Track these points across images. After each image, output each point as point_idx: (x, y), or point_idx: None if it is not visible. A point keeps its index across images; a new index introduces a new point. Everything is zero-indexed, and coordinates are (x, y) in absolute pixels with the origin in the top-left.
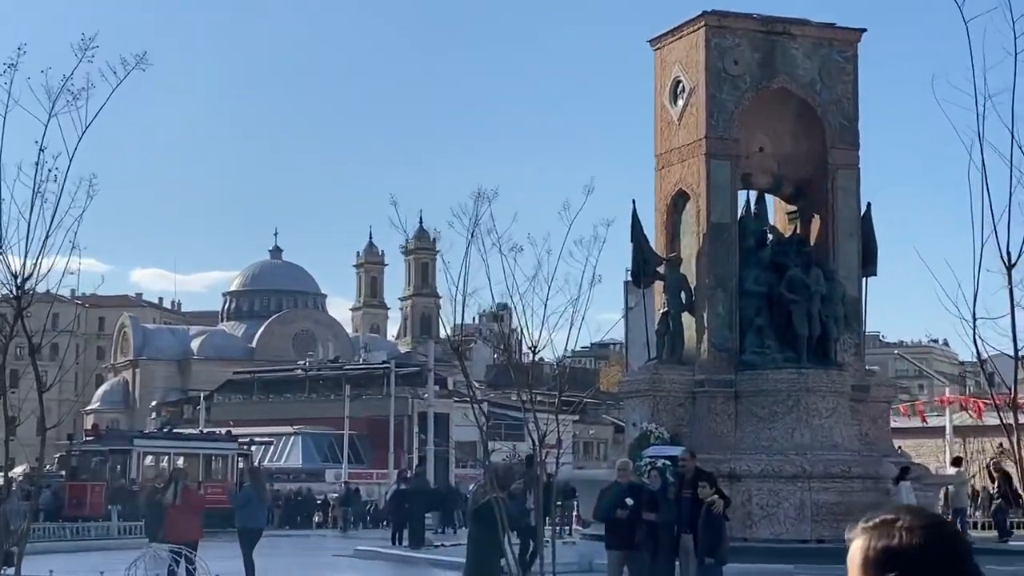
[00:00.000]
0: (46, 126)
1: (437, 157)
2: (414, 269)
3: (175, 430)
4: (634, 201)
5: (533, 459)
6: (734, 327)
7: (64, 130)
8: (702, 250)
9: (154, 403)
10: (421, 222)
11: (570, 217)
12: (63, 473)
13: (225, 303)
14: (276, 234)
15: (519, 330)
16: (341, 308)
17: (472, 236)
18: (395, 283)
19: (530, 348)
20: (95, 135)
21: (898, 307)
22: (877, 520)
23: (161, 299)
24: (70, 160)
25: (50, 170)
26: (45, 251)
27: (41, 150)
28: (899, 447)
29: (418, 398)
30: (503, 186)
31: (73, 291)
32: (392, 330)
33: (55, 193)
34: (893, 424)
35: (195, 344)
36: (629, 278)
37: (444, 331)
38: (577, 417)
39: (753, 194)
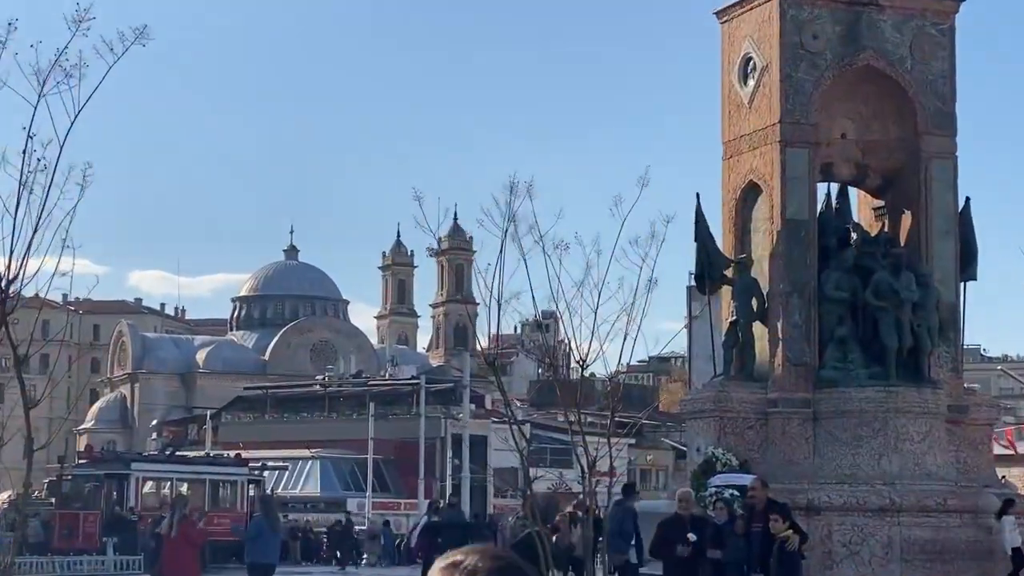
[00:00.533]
0: (35, 108)
1: (474, 145)
2: (447, 272)
3: (178, 452)
4: (698, 195)
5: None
6: (812, 338)
7: (55, 114)
8: (776, 250)
9: (155, 422)
10: (455, 218)
11: (623, 213)
12: (52, 500)
13: (234, 310)
14: (292, 232)
15: (566, 341)
16: (365, 316)
17: (507, 233)
18: (426, 287)
19: (578, 362)
20: (89, 121)
21: (1001, 317)
22: (446, 562)
23: (163, 305)
24: (61, 147)
25: (39, 159)
26: (32, 249)
27: (29, 136)
28: (1002, 476)
29: (452, 418)
30: (546, 178)
31: (65, 295)
32: (423, 341)
33: (43, 185)
34: (995, 450)
35: (201, 356)
36: (692, 282)
37: (481, 342)
38: (633, 441)
39: (835, 187)
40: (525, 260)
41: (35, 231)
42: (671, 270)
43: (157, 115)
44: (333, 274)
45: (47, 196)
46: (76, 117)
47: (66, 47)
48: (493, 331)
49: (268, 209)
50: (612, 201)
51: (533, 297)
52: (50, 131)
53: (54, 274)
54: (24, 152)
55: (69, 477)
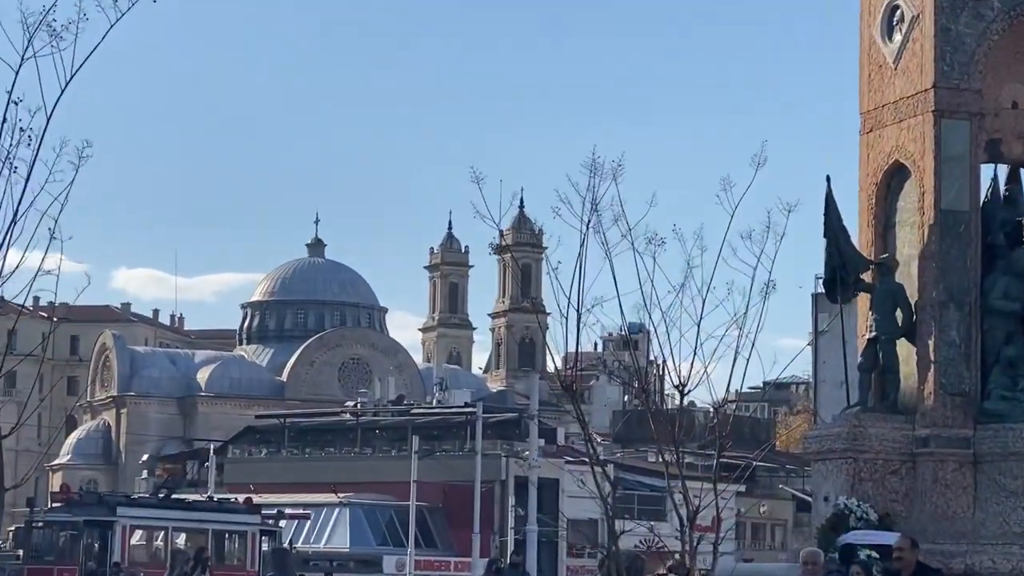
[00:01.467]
0: (16, 72)
1: (545, 119)
2: (511, 273)
3: (175, 495)
4: (828, 178)
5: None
6: (973, 360)
7: (44, 79)
8: (927, 249)
9: (146, 457)
10: (522, 206)
11: (733, 200)
12: (19, 553)
13: (245, 318)
14: (317, 223)
15: (661, 361)
16: (407, 327)
17: (589, 225)
18: (484, 293)
19: (677, 387)
20: (82, 88)
21: None
22: None
23: (156, 311)
24: (48, 118)
25: (23, 129)
26: (11, 241)
27: (14, 103)
28: None
29: (516, 457)
30: (636, 157)
31: (36, 299)
32: (479, 359)
33: (27, 161)
34: None
35: (202, 375)
36: (819, 289)
37: (554, 362)
38: (743, 487)
39: (1003, 169)
40: (610, 258)
41: (16, 217)
42: (793, 273)
43: (155, 82)
44: (367, 274)
45: (31, 174)
46: (68, 83)
47: (55, 3)
48: (569, 348)
49: (288, 194)
50: (720, 185)
51: (620, 305)
52: (36, 97)
53: (38, 272)
54: (3, 120)
55: (40, 524)
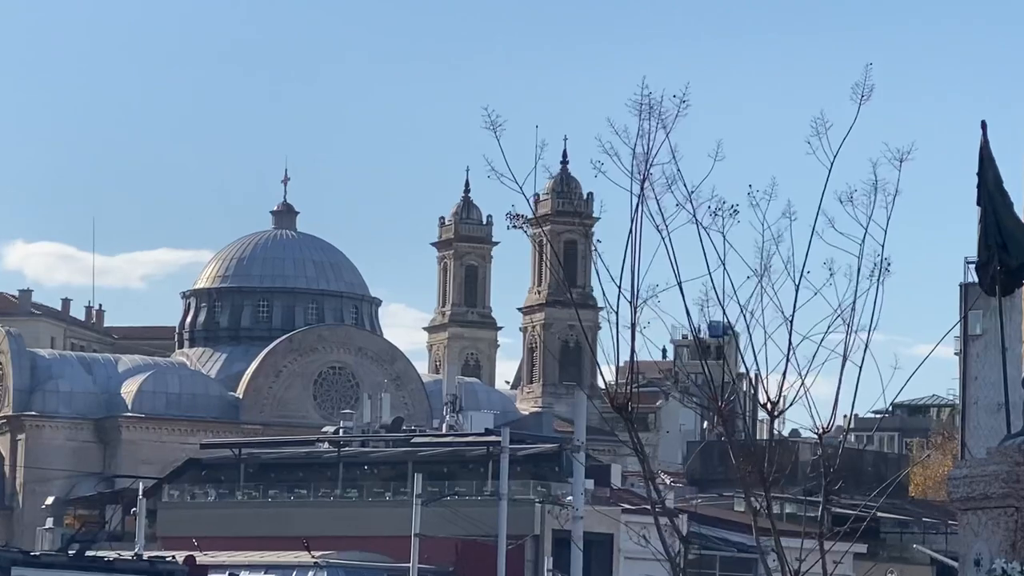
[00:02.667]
0: None
1: (587, 49)
2: (549, 253)
3: (90, 552)
4: (984, 125)
5: None
6: None
7: None
8: None
9: (51, 500)
10: (564, 162)
11: (830, 148)
12: None
13: (187, 312)
14: (285, 182)
15: (746, 373)
16: (408, 326)
17: (643, 187)
18: (513, 279)
19: (768, 408)
20: None
21: None
22: None
23: (66, 302)
24: None
25: None
26: None
27: None
28: None
29: (555, 504)
30: (701, 96)
31: None
32: (505, 370)
33: None
34: None
35: (129, 389)
36: (972, 277)
37: (605, 374)
38: (863, 547)
39: None
40: (666, 233)
41: None
42: (921, 248)
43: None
44: (353, 253)
45: None
46: None
47: None
48: (627, 356)
49: (246, 145)
50: (811, 127)
51: (683, 297)
52: None
53: None
54: None
55: None
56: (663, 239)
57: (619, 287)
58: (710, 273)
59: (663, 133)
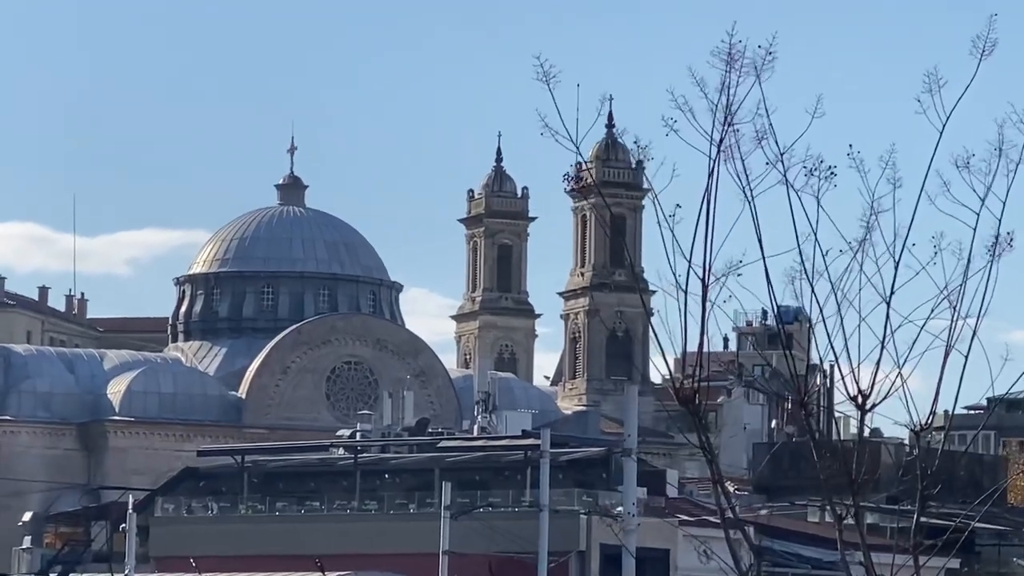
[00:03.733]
0: None
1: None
2: (593, 228)
3: (73, 574)
4: None
5: None
6: None
7: None
8: None
9: (28, 516)
10: (610, 125)
11: (943, 107)
12: None
13: (181, 301)
14: (292, 152)
15: (828, 365)
16: (433, 314)
17: (720, 146)
18: (553, 259)
19: (857, 401)
20: None
21: None
22: None
23: (44, 290)
24: None
25: None
26: None
27: None
28: None
29: (603, 515)
30: (790, 45)
31: None
32: (545, 363)
33: None
34: None
35: (116, 389)
36: None
37: (662, 366)
38: (958, 564)
39: None
40: (751, 201)
41: None
42: None
43: None
44: (370, 232)
45: None
46: None
47: None
48: (690, 345)
49: (247, 113)
50: (922, 83)
51: (768, 278)
52: None
53: None
54: None
55: None
56: (748, 201)
57: (689, 261)
58: (799, 245)
59: (745, 90)
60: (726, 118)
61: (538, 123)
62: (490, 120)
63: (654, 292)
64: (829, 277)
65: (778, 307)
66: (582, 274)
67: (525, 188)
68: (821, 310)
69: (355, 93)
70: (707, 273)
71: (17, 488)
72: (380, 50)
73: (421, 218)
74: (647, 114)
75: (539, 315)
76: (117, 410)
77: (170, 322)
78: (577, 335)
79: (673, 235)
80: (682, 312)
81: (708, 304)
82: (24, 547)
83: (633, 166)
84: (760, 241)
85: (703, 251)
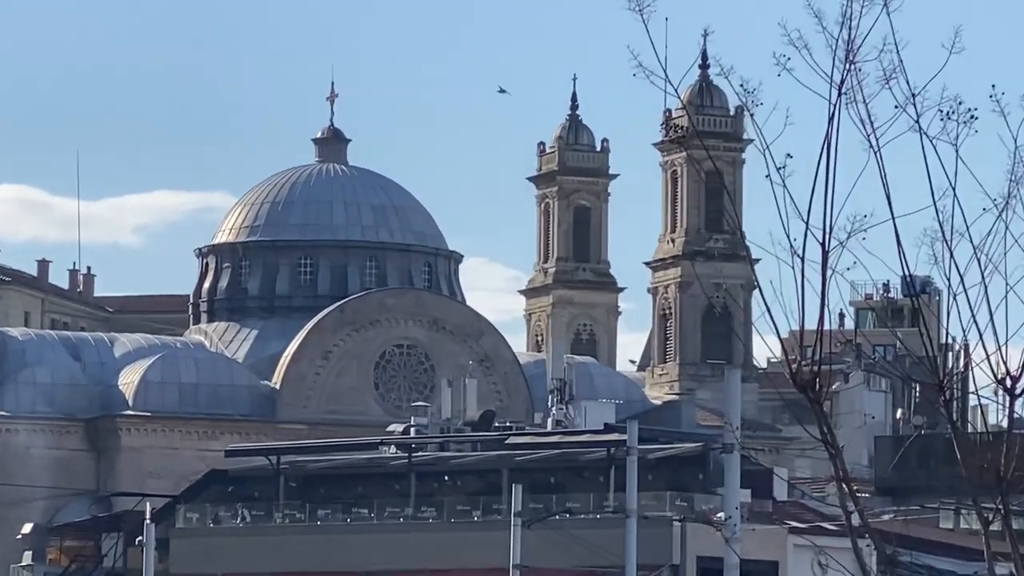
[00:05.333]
0: None
1: None
2: (686, 186)
3: None
4: None
5: None
6: None
7: None
8: None
9: (29, 527)
10: (704, 65)
11: None
12: None
13: (203, 276)
14: (332, 100)
15: (967, 342)
16: (498, 289)
17: (841, 90)
18: (639, 225)
19: (1005, 386)
20: None
21: None
22: None
23: (45, 264)
24: None
25: None
26: None
27: None
28: None
29: (701, 522)
30: None
31: None
32: (630, 344)
33: None
34: None
35: (128, 379)
36: None
37: (770, 347)
38: None
39: None
40: (877, 151)
41: None
42: None
43: None
44: (423, 193)
45: None
46: None
47: None
48: (806, 321)
49: (278, 53)
50: None
51: (900, 245)
52: None
53: None
54: None
55: None
56: (874, 151)
57: (806, 221)
58: (935, 202)
59: (869, 23)
60: (848, 55)
61: (620, 63)
62: (564, 60)
63: (759, 260)
64: (971, 239)
65: (911, 275)
66: (673, 240)
67: (605, 140)
68: (962, 278)
69: (404, 29)
70: (828, 236)
71: (16, 495)
72: None
73: (483, 176)
74: (749, 52)
75: (623, 289)
76: (131, 403)
77: (191, 300)
78: (668, 312)
79: (786, 191)
80: (798, 283)
81: (828, 272)
82: (24, 564)
83: (732, 113)
84: (888, 198)
85: (822, 210)
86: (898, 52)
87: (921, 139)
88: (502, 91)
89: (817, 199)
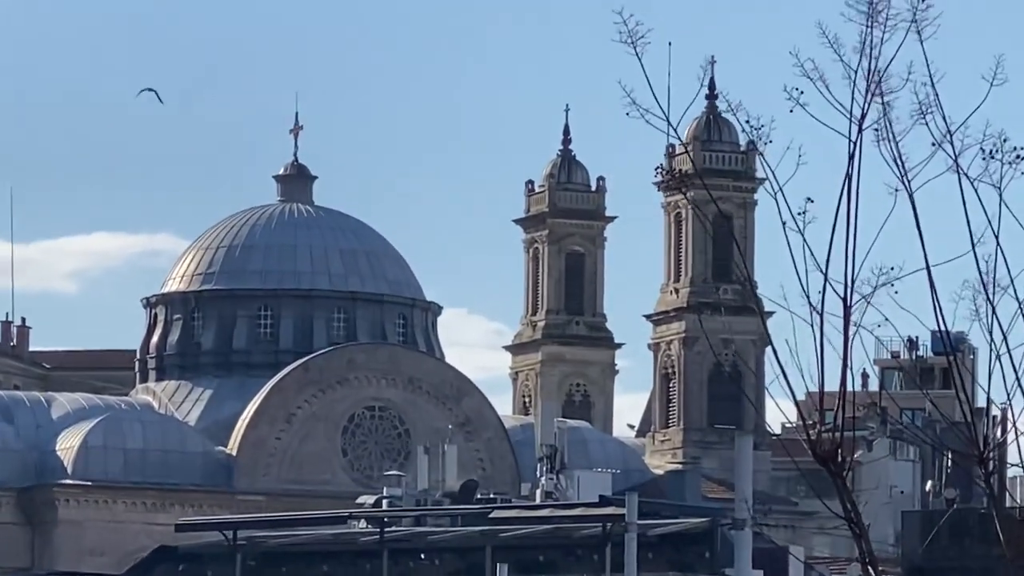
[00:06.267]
0: None
1: None
2: (691, 230)
3: None
4: None
5: None
6: None
7: None
8: None
9: None
10: (711, 95)
11: None
12: None
13: (152, 327)
14: (296, 133)
15: (1011, 407)
16: (480, 344)
17: (862, 124)
18: (638, 273)
19: None
20: None
21: None
22: None
23: None
24: None
25: None
26: None
27: None
28: None
29: None
30: None
31: None
32: (628, 407)
33: None
34: None
35: (66, 445)
36: None
37: (784, 410)
38: None
39: None
40: (910, 193)
41: None
42: None
43: None
44: (398, 237)
45: None
46: None
47: None
48: (825, 381)
49: (238, 81)
50: None
51: (932, 289)
52: None
53: None
54: None
55: None
56: (906, 194)
57: (825, 273)
58: (974, 250)
59: (893, 49)
60: (869, 86)
61: (618, 92)
62: (555, 90)
63: (772, 314)
64: (1015, 292)
65: (945, 330)
66: (676, 291)
67: (601, 179)
68: (1005, 335)
69: (376, 54)
70: (850, 289)
71: None
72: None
73: (464, 218)
74: (759, 82)
75: (620, 345)
76: (70, 471)
77: (137, 356)
78: (670, 371)
79: (803, 238)
80: (817, 340)
81: (852, 328)
82: None
83: (743, 148)
84: (923, 245)
85: (843, 259)
86: (932, 84)
87: (960, 180)
88: (149, 91)
89: (837, 246)
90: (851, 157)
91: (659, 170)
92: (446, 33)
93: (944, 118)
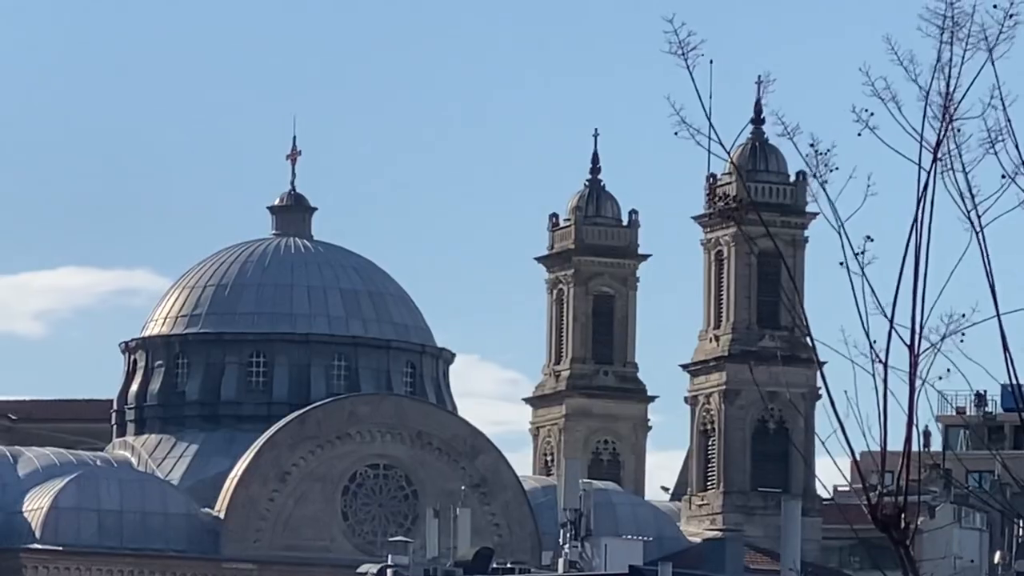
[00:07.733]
0: None
1: None
2: (736, 268)
3: None
4: None
5: None
6: None
7: None
8: None
9: None
10: (758, 120)
11: None
12: None
13: (131, 375)
14: (293, 160)
15: None
16: (496, 396)
17: (938, 153)
18: (673, 318)
19: None
20: None
21: None
22: None
23: None
24: None
25: None
26: None
27: None
28: None
29: None
30: None
31: None
32: (662, 467)
33: None
34: None
35: (37, 504)
36: None
37: (836, 472)
38: None
39: None
40: (979, 231)
41: None
42: None
43: None
44: (405, 276)
45: None
46: None
47: None
48: (885, 442)
49: (231, 103)
50: None
51: (1003, 337)
52: None
53: None
54: None
55: None
56: (974, 227)
57: (890, 319)
58: None
59: (971, 71)
60: (945, 110)
61: (651, 117)
62: (584, 113)
63: (825, 363)
64: None
65: (1018, 384)
66: (717, 338)
67: (633, 212)
68: None
69: (380, 74)
70: (918, 336)
71: None
72: (413, 18)
73: (479, 256)
74: (813, 105)
75: (654, 398)
76: (38, 535)
77: (114, 407)
78: (710, 427)
79: (865, 280)
80: (879, 393)
81: (918, 381)
82: None
83: (792, 180)
84: (992, 289)
85: (911, 303)
86: (1004, 109)
87: None
88: None
89: (904, 289)
90: (924, 188)
91: (709, 194)
92: (460, 50)
93: (1017, 147)
